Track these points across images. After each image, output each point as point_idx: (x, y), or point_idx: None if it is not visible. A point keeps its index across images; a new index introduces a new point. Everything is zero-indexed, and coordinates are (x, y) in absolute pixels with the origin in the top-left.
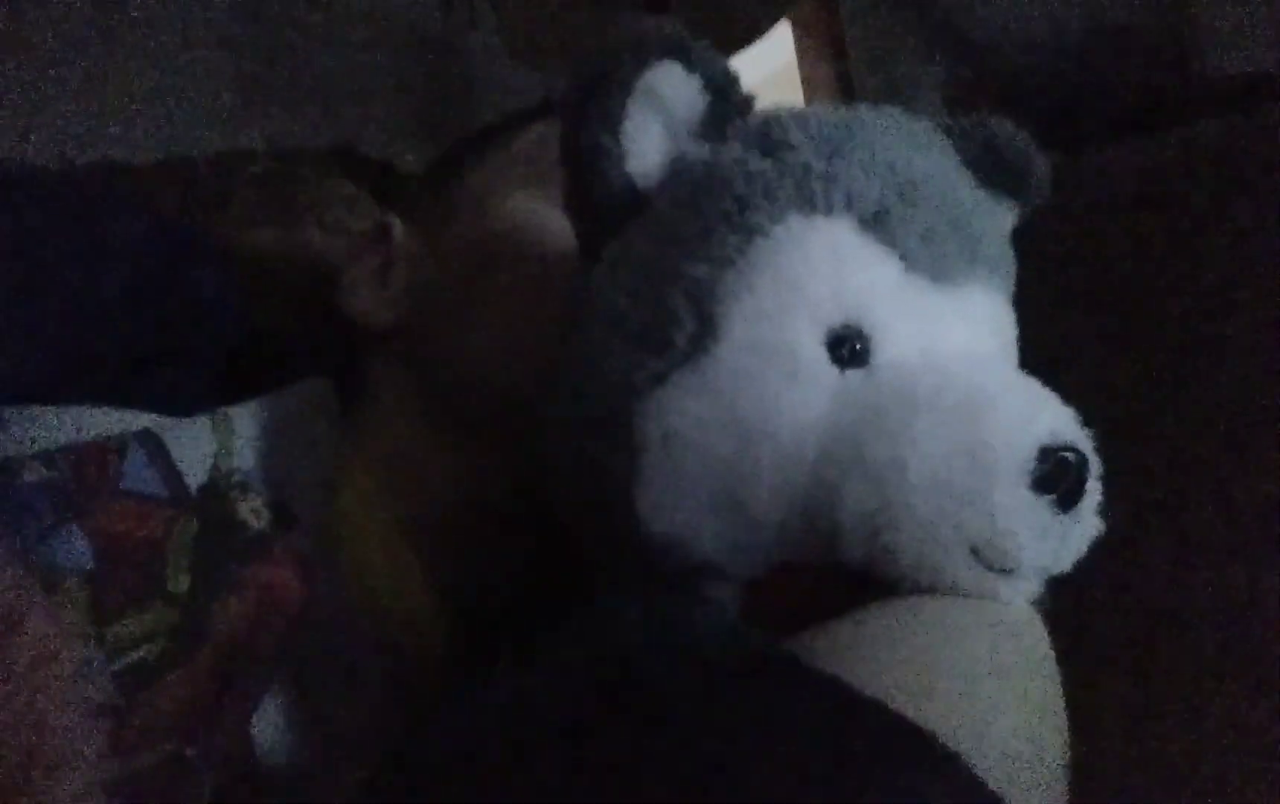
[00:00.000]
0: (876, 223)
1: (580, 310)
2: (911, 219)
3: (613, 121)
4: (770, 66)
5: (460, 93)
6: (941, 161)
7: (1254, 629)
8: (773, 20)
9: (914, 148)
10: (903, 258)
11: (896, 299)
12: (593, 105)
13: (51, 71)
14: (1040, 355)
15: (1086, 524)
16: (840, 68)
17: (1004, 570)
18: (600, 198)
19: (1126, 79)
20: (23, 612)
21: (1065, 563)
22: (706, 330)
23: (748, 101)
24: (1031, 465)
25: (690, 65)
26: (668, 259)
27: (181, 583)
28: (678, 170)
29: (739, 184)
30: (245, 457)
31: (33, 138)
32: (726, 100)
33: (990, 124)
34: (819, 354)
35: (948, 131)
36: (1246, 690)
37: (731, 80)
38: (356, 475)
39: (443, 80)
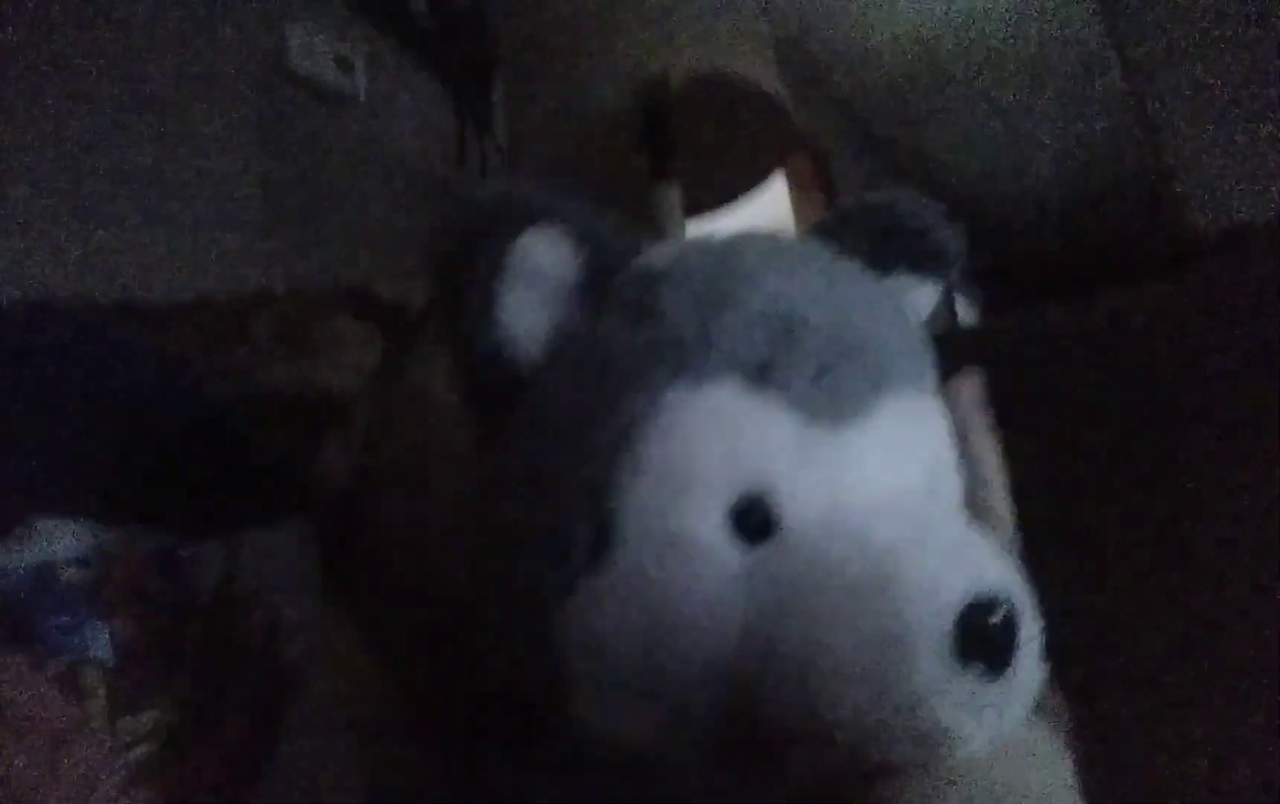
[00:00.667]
0: (762, 377)
1: (484, 510)
2: (799, 363)
3: (487, 302)
4: (766, 217)
5: None
6: (830, 285)
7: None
8: (767, 173)
9: (796, 280)
10: (796, 407)
11: (796, 453)
12: (464, 286)
13: (69, 205)
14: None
15: (1026, 679)
16: None
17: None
18: (484, 384)
19: (1109, 232)
20: (63, 726)
21: (1010, 726)
22: (604, 533)
23: (625, 254)
24: (949, 637)
25: (560, 227)
26: (555, 457)
27: (184, 687)
28: (557, 348)
29: (619, 361)
30: (248, 578)
31: (49, 272)
32: (603, 257)
33: (892, 201)
34: (719, 537)
35: (843, 220)
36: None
37: (605, 235)
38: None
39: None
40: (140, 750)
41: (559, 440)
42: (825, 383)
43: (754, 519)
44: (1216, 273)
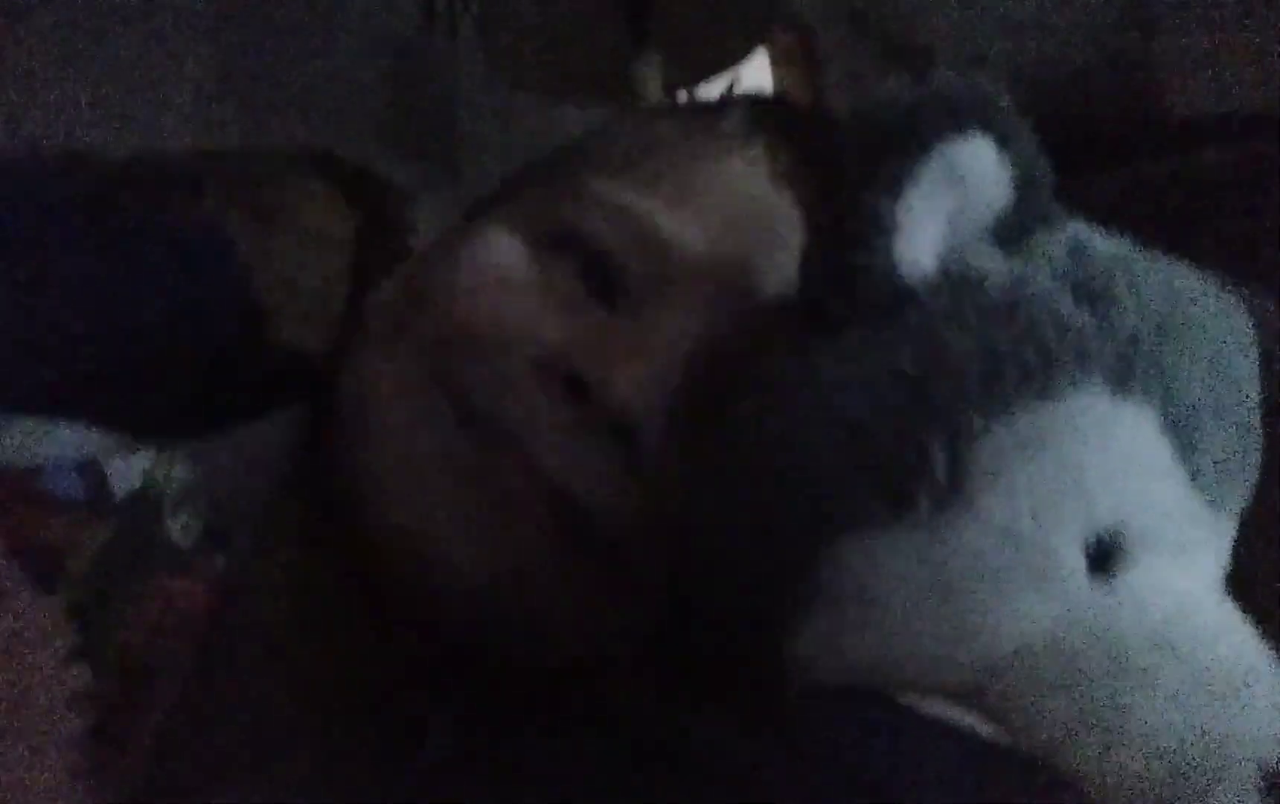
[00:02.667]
0: (1181, 428)
1: (789, 397)
2: (1215, 435)
3: (896, 188)
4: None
5: (439, 104)
6: (1251, 364)
7: None
8: (750, 47)
9: (1234, 340)
10: (1191, 474)
11: (1169, 518)
12: (878, 163)
13: (17, 60)
14: None
15: None
16: (815, 96)
17: None
18: (854, 275)
19: (1089, 113)
20: None
21: None
22: (955, 491)
23: (1055, 211)
24: (1272, 766)
25: (1005, 147)
26: (933, 386)
27: (76, 594)
28: (961, 277)
29: (1047, 331)
30: (186, 471)
31: None
32: (1036, 195)
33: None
34: (1078, 563)
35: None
36: None
37: (1046, 178)
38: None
39: (422, 90)
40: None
41: (946, 373)
42: (1223, 468)
43: (1102, 552)
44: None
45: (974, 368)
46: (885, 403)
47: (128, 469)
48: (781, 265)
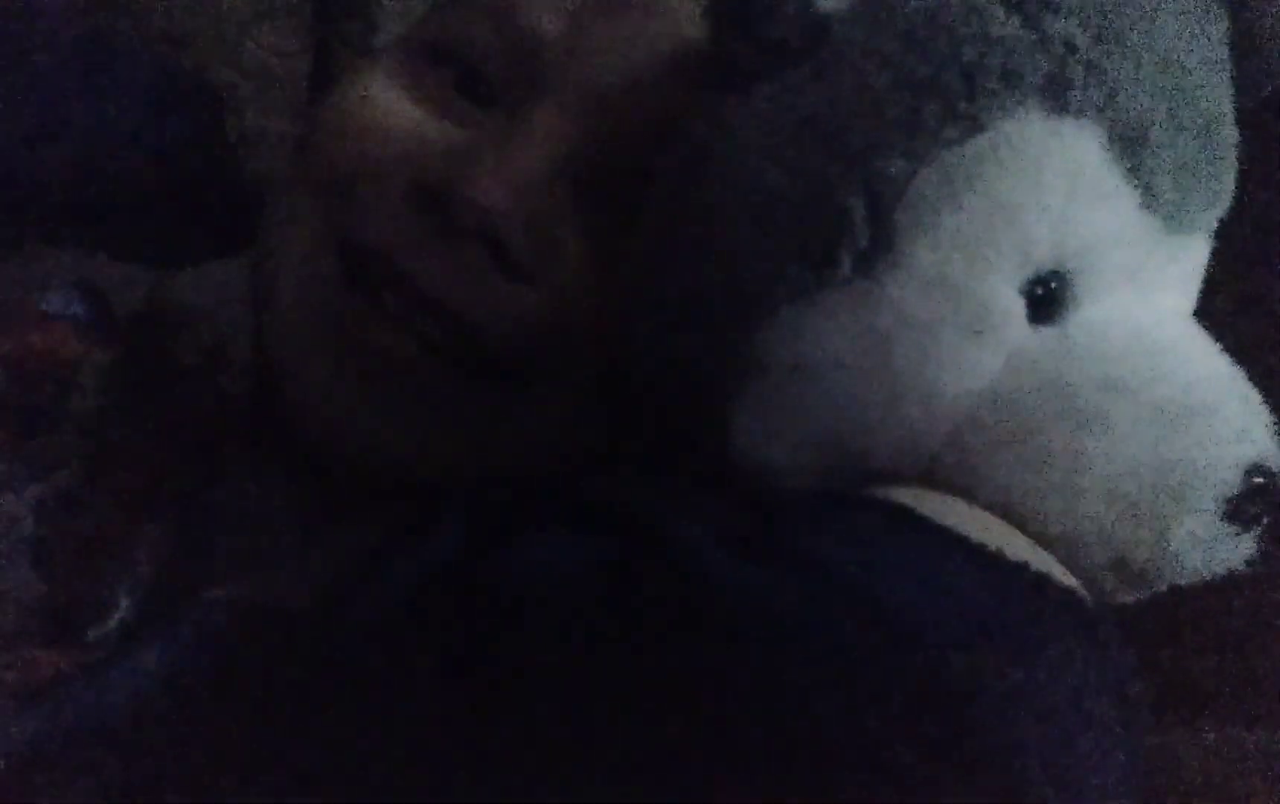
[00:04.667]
0: (1129, 143)
1: (704, 167)
2: (1170, 146)
3: None
4: None
5: None
6: (1216, 59)
7: None
8: None
9: (1192, 37)
10: (1143, 194)
11: (1119, 246)
12: None
13: None
14: None
15: (1251, 542)
16: None
17: (1141, 586)
18: (761, 16)
19: None
20: None
21: (1211, 573)
22: (880, 246)
23: None
24: (1232, 491)
25: None
26: (850, 135)
27: (89, 407)
28: (871, 4)
29: (971, 49)
30: (187, 292)
31: None
32: None
33: None
34: (1016, 306)
35: None
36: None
37: None
38: None
39: None
40: (60, 478)
41: (862, 114)
42: (1181, 180)
43: (1046, 295)
44: None
45: (893, 106)
46: (801, 160)
47: (129, 293)
48: (658, 35)
